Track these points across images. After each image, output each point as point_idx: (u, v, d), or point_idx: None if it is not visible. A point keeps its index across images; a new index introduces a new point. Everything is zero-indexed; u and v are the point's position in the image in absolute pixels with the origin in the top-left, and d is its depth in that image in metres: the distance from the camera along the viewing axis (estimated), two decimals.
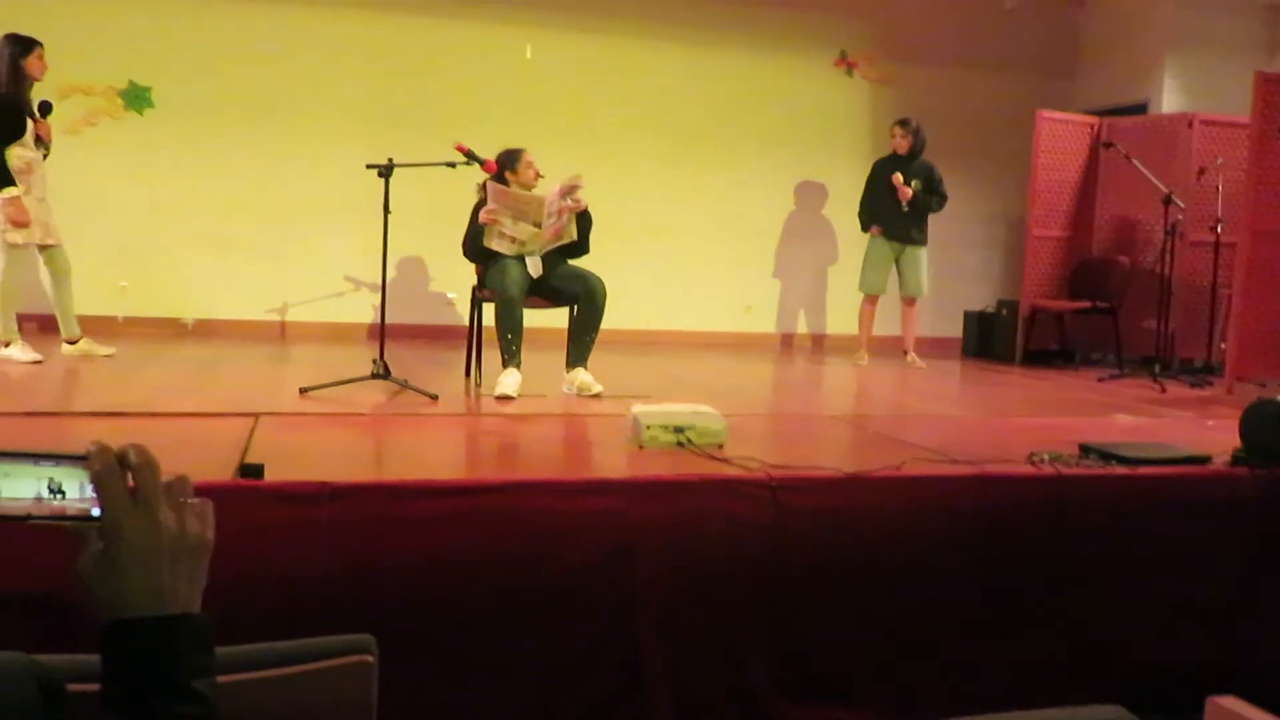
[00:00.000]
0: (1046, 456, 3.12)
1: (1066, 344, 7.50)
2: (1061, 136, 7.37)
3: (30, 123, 5.12)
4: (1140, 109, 7.72)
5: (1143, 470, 3.09)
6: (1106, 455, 3.17)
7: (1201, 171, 6.63)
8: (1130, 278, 7.00)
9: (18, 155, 5.04)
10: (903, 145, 6.73)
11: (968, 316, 7.86)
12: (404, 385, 4.33)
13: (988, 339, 7.64)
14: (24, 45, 5.08)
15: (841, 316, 7.88)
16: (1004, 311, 7.56)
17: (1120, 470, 3.08)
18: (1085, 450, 3.25)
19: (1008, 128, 7.97)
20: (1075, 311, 7.15)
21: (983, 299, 8.02)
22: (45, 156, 5.28)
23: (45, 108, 5.25)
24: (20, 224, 5.01)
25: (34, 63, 5.12)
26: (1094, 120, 7.49)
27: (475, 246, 4.77)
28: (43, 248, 5.23)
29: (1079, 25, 8.42)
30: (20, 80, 5.08)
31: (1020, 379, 6.42)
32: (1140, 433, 4.04)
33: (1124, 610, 2.93)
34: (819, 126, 7.94)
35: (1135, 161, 6.52)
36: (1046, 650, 2.85)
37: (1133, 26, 7.92)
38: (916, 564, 2.78)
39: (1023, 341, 7.30)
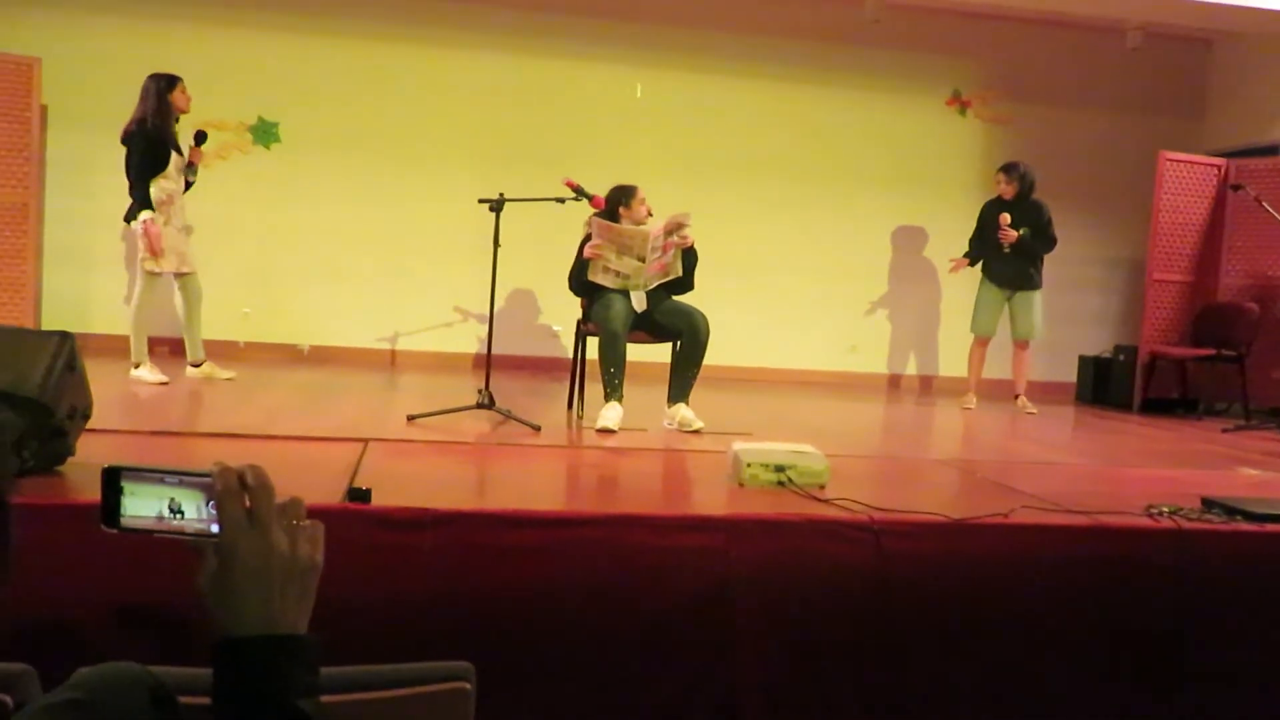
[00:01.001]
0: (1166, 509, 2.98)
1: (1188, 393, 7.19)
2: (1186, 178, 7.12)
3: (174, 155, 5.39)
4: (1272, 150, 7.41)
5: (1271, 527, 2.92)
6: (1231, 510, 3.02)
7: None
8: (1259, 325, 6.69)
9: (160, 187, 5.32)
10: (1008, 191, 6.60)
11: (1083, 361, 7.62)
12: (508, 415, 4.39)
13: (1104, 385, 7.39)
14: (168, 81, 5.38)
15: (952, 358, 7.72)
16: (1121, 357, 7.30)
17: (1246, 526, 2.92)
18: (1208, 504, 3.10)
19: (1129, 169, 7.75)
20: (1199, 359, 6.86)
21: (1099, 344, 7.77)
22: (192, 184, 5.57)
23: (200, 137, 5.56)
24: (155, 253, 5.29)
25: (179, 96, 5.41)
26: (1221, 162, 7.22)
27: (580, 280, 4.83)
28: (178, 275, 5.49)
29: (1206, 65, 8.15)
30: (167, 114, 5.36)
31: (1138, 428, 6.17)
32: (1268, 488, 3.84)
33: (1248, 676, 2.77)
34: (930, 166, 7.83)
35: (1266, 205, 6.25)
36: (1162, 713, 2.72)
37: (1264, 66, 7.63)
38: (1024, 617, 2.68)
39: (1141, 389, 7.03)
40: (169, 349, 6.14)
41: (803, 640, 2.55)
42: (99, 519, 0.97)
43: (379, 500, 2.54)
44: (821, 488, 3.13)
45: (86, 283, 6.90)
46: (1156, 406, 7.00)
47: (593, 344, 4.80)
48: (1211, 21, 7.38)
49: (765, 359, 7.59)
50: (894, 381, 7.95)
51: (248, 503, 0.95)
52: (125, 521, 0.97)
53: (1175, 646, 2.74)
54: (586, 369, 4.98)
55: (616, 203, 4.93)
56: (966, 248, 6.82)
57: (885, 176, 7.78)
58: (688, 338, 4.68)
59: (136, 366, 5.33)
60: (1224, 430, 5.97)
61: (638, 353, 4.80)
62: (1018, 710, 2.65)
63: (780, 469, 3.18)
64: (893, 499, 2.94)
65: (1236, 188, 6.66)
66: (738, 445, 3.33)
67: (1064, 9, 7.23)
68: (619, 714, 2.44)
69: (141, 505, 0.96)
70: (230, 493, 0.94)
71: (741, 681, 2.50)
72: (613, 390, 4.54)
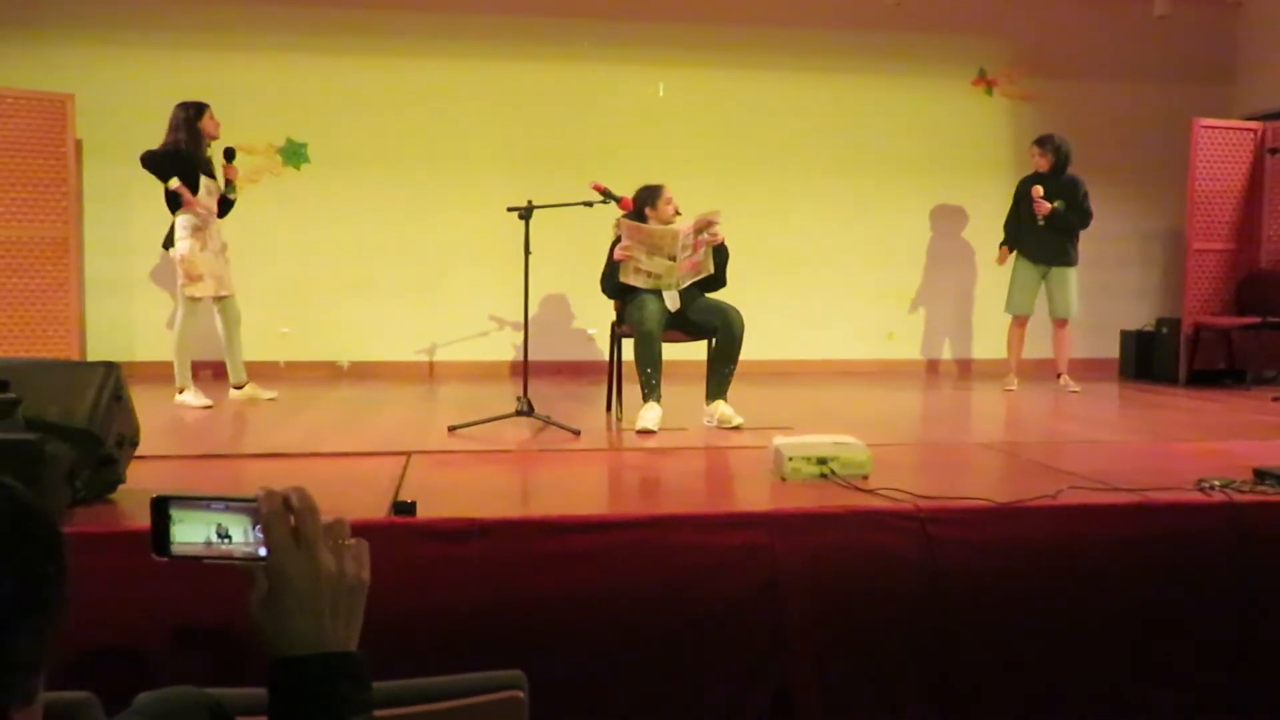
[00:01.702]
0: (1217, 483, 2.94)
1: (1235, 363, 7.07)
2: (1221, 145, 7.00)
3: (206, 179, 5.46)
4: None
5: None
6: None
7: None
8: None
9: (194, 213, 5.39)
10: (1043, 164, 6.52)
11: (1125, 336, 7.52)
12: (547, 421, 4.41)
13: (1147, 359, 7.28)
14: (197, 108, 5.45)
15: (989, 340, 7.64)
16: (1164, 330, 7.19)
17: None
18: (1261, 475, 3.04)
19: (1161, 139, 7.64)
20: (1244, 328, 6.74)
21: (1140, 317, 7.66)
22: (233, 201, 5.65)
23: (230, 153, 5.61)
24: (193, 278, 5.37)
25: (208, 122, 5.49)
26: (1257, 126, 7.09)
27: (613, 282, 4.84)
28: (217, 299, 5.57)
29: (1236, 28, 8.00)
30: (199, 141, 5.44)
31: (1185, 401, 6.08)
32: None
33: None
34: (958, 148, 7.76)
35: None
36: (1223, 690, 2.67)
37: None
38: (1076, 599, 2.65)
39: (1186, 361, 6.92)
40: (212, 372, 6.23)
41: (854, 632, 2.54)
42: (150, 548, 0.99)
43: (424, 512, 2.56)
44: (865, 478, 3.12)
45: (128, 311, 7.01)
46: (1203, 378, 6.89)
47: (628, 345, 4.80)
48: None
49: (802, 351, 7.55)
50: (932, 367, 7.89)
51: (293, 524, 0.96)
52: (175, 549, 0.99)
53: (1228, 622, 2.69)
54: (623, 371, 4.99)
55: (643, 203, 4.93)
56: (1002, 233, 6.75)
57: (913, 162, 7.71)
58: (723, 334, 4.67)
59: (181, 392, 5.40)
60: (1274, 399, 5.86)
61: (673, 352, 4.80)
62: (1074, 693, 2.62)
63: (823, 461, 3.16)
64: (938, 486, 2.92)
65: (1275, 151, 6.55)
66: (779, 439, 3.32)
67: None
68: (673, 716, 2.44)
69: (190, 532, 0.98)
70: (276, 516, 0.96)
71: (795, 676, 2.49)
72: (650, 391, 4.54)
